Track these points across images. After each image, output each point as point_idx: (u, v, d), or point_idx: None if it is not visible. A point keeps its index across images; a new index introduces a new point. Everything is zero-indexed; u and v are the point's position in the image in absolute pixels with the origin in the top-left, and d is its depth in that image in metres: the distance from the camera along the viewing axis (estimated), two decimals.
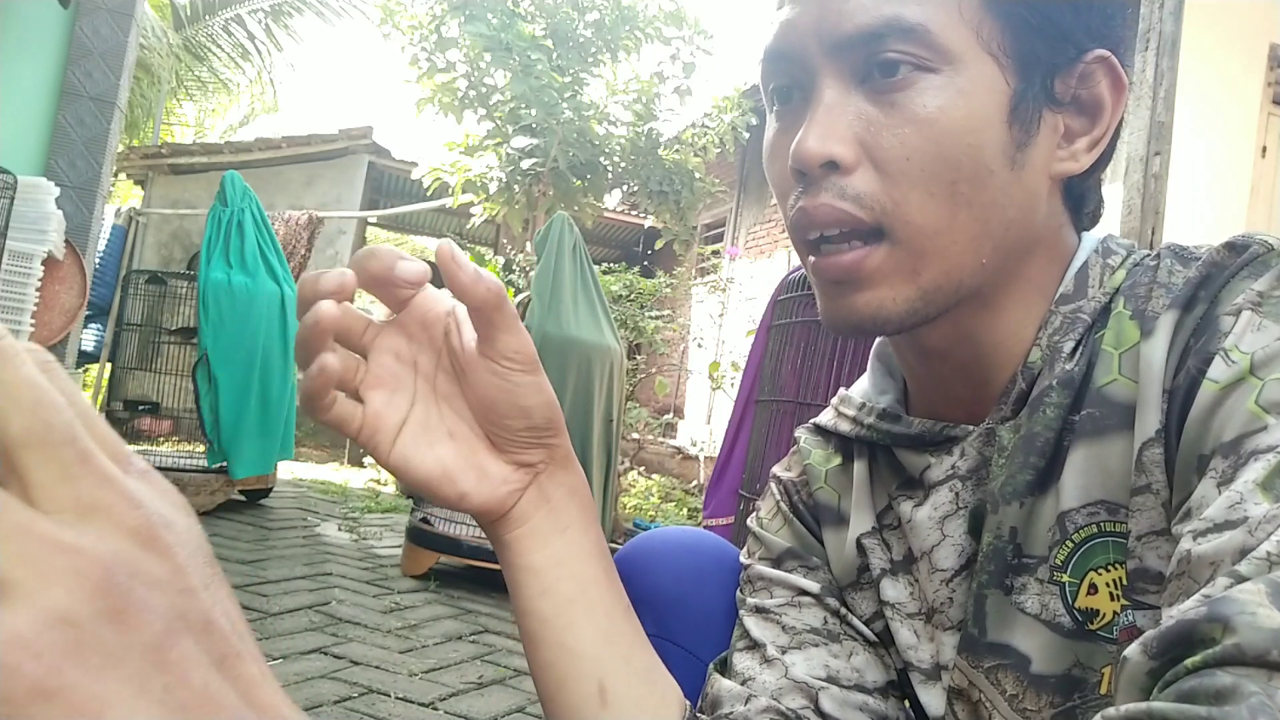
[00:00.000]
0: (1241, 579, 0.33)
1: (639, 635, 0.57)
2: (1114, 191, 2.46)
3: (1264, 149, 3.89)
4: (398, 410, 0.50)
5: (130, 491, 0.22)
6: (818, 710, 0.58)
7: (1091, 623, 0.50)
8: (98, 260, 5.05)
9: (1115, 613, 0.49)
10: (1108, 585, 0.50)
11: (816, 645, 0.61)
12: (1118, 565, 0.49)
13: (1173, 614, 0.33)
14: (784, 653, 0.61)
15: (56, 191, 3.47)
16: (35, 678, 0.18)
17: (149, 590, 0.21)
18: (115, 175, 6.56)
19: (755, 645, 0.62)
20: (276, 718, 0.23)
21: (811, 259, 0.53)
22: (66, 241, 3.66)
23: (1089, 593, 0.50)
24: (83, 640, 0.19)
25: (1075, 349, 0.53)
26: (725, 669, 0.63)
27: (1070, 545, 0.51)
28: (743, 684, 0.60)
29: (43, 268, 3.40)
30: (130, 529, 0.22)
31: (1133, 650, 0.34)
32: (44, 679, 0.18)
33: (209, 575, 0.23)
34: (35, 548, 0.19)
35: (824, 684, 0.59)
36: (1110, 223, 2.33)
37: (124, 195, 9.54)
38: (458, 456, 0.51)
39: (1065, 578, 0.51)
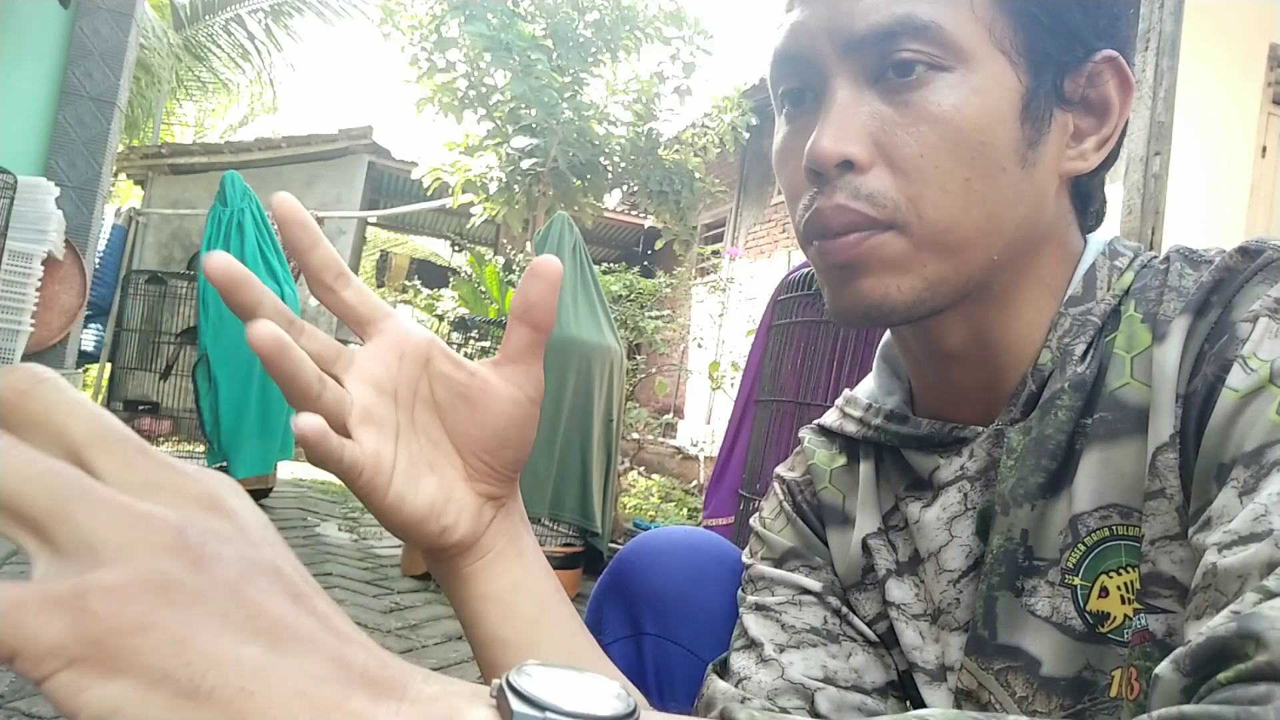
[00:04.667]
0: (1271, 594, 0.33)
1: (593, 646, 0.57)
2: (1114, 191, 2.45)
3: (1264, 149, 3.89)
4: (390, 447, 0.48)
5: (190, 470, 0.27)
6: (813, 711, 0.58)
7: (1102, 626, 0.50)
8: (98, 260, 5.05)
9: (1127, 616, 0.49)
10: (1119, 589, 0.50)
11: (815, 645, 0.61)
12: (1130, 569, 0.49)
13: (1203, 630, 0.33)
14: (781, 652, 0.61)
15: (56, 191, 3.47)
16: (131, 618, 0.22)
17: (219, 543, 0.25)
18: (115, 175, 6.55)
19: (753, 644, 0.62)
20: (350, 641, 0.26)
21: (816, 243, 0.53)
22: (66, 241, 3.66)
23: (1100, 596, 0.50)
24: (168, 585, 0.23)
25: (1086, 352, 0.53)
26: (724, 670, 0.63)
27: (1082, 548, 0.51)
28: (738, 684, 0.60)
29: (43, 268, 3.40)
30: (194, 498, 0.26)
31: (1164, 668, 0.34)
32: (139, 617, 0.22)
33: (271, 537, 0.28)
34: (118, 516, 0.23)
35: (821, 685, 0.59)
36: (1110, 223, 2.33)
37: (124, 195, 9.53)
38: (439, 491, 0.49)
39: (1077, 581, 0.51)
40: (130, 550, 0.23)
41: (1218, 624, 0.33)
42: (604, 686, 0.28)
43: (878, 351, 0.68)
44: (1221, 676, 0.31)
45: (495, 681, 0.27)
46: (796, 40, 0.53)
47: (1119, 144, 0.55)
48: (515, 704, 0.26)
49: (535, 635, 0.53)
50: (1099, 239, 0.58)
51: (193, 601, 0.23)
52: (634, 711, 0.27)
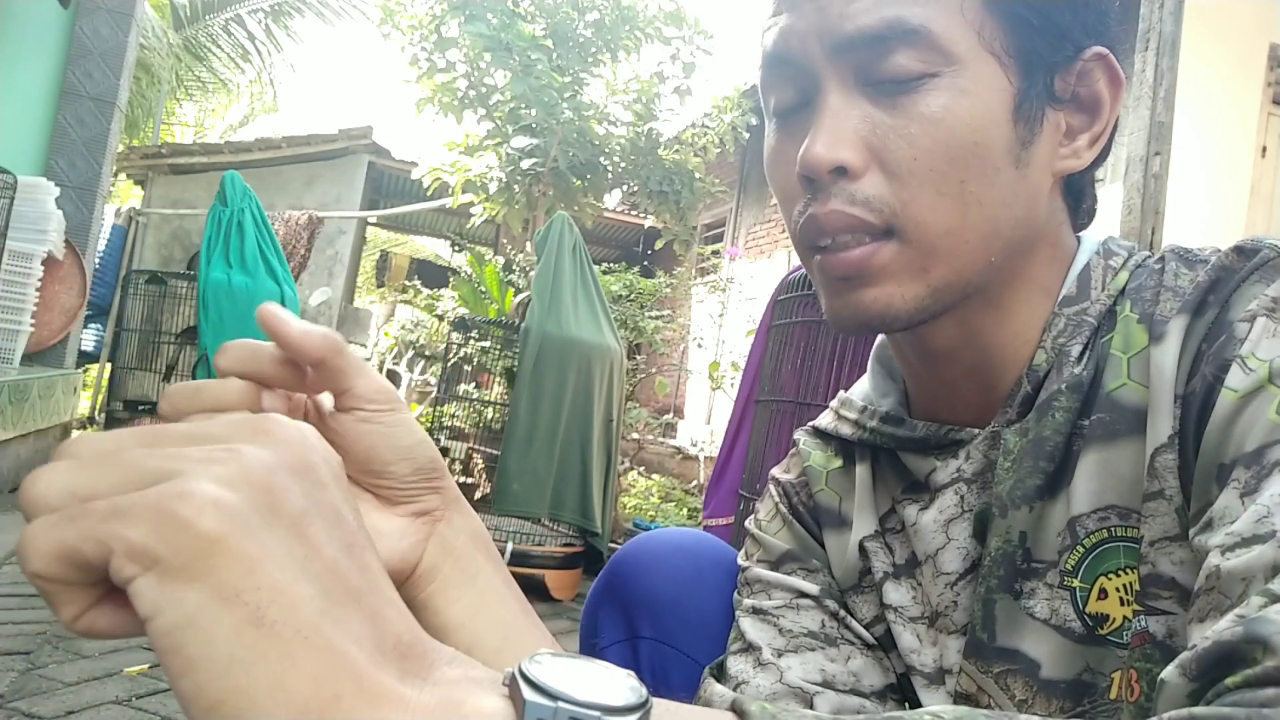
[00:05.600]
0: (1276, 598, 0.33)
1: None
2: (1114, 191, 2.45)
3: (1264, 149, 3.89)
4: None
5: (284, 422, 0.29)
6: None
7: (1102, 628, 0.50)
8: (98, 260, 5.05)
9: (1126, 618, 0.49)
10: (1118, 590, 0.49)
11: (813, 649, 0.61)
12: (1129, 570, 0.49)
13: (1208, 635, 0.33)
14: (779, 656, 0.60)
15: (56, 191, 3.47)
16: (210, 526, 0.24)
17: (290, 480, 0.27)
18: (115, 175, 6.55)
19: (750, 648, 0.61)
20: (390, 604, 0.28)
21: (817, 258, 0.53)
22: (66, 241, 3.66)
23: (1099, 598, 0.50)
24: (244, 508, 0.25)
25: (1082, 352, 0.52)
26: (721, 673, 0.62)
27: (1081, 550, 0.50)
28: (735, 688, 0.60)
29: (43, 268, 3.40)
30: (280, 441, 0.28)
31: (1170, 673, 0.34)
32: (215, 528, 0.24)
33: (341, 480, 0.30)
34: (211, 448, 0.27)
35: (819, 688, 0.59)
36: (1110, 223, 2.32)
37: (124, 195, 9.53)
38: None
39: (1076, 583, 0.51)
40: (219, 471, 0.26)
41: (1223, 628, 0.33)
42: (617, 676, 0.28)
43: (872, 353, 0.67)
44: (1229, 681, 0.31)
45: (508, 670, 0.27)
46: (786, 44, 0.52)
47: (1110, 140, 0.55)
48: (528, 693, 0.26)
49: (500, 665, 0.51)
50: (1092, 238, 0.58)
51: (264, 528, 0.25)
52: (646, 701, 0.27)
